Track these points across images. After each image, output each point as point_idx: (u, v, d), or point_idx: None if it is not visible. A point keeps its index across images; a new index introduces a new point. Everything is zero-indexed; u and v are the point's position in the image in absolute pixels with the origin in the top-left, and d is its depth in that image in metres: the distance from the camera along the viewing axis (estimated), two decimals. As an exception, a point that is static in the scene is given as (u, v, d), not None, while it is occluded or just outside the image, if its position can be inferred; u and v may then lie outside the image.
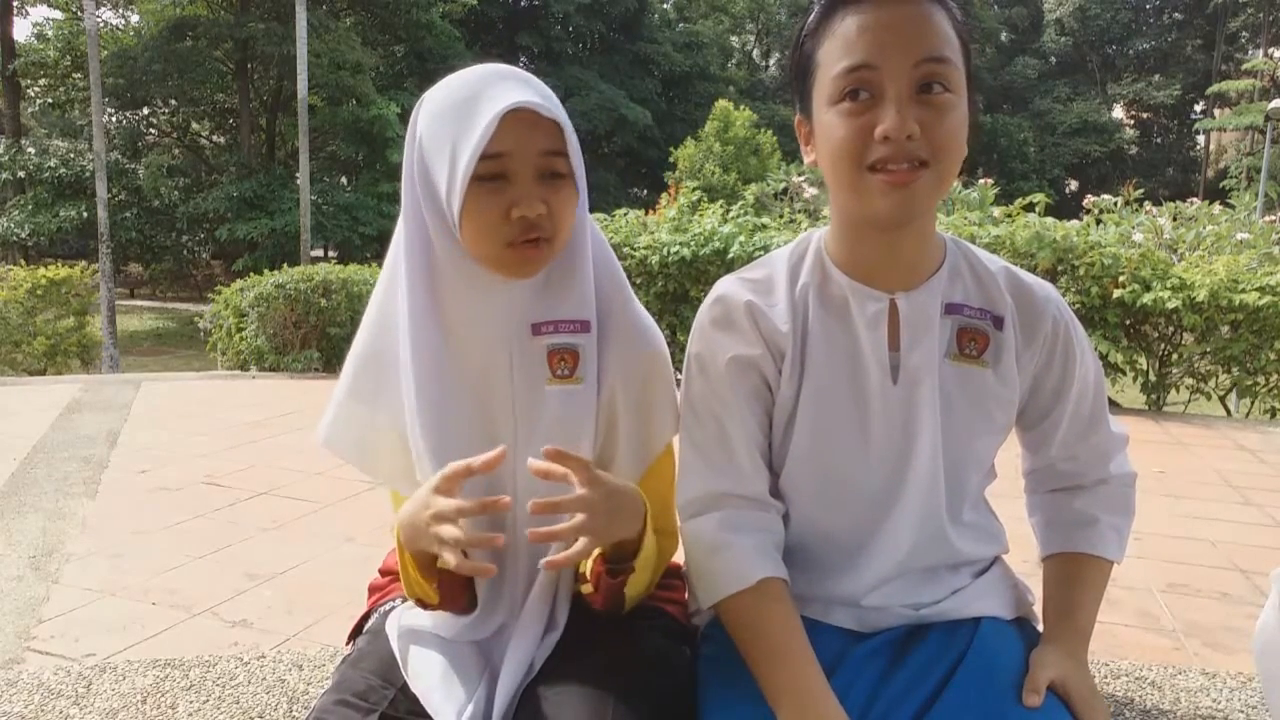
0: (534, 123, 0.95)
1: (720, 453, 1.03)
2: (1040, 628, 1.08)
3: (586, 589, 1.04)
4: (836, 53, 0.91)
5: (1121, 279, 4.62)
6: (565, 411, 1.03)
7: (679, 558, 1.13)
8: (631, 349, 1.07)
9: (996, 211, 5.68)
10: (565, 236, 1.00)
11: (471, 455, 0.99)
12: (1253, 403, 4.92)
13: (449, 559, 0.90)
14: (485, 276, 1.00)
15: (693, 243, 5.54)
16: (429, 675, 1.01)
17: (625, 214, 6.30)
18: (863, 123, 0.89)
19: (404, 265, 1.01)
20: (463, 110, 0.94)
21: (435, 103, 0.98)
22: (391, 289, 1.05)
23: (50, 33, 20.66)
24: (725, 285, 1.07)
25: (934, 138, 0.89)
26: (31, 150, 18.57)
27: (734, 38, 40.04)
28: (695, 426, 1.05)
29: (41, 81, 21.03)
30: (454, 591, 1.02)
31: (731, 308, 1.04)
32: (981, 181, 6.35)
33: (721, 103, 23.34)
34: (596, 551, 1.01)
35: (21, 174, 18.07)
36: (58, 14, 21.30)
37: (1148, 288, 4.58)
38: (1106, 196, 6.25)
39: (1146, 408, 4.96)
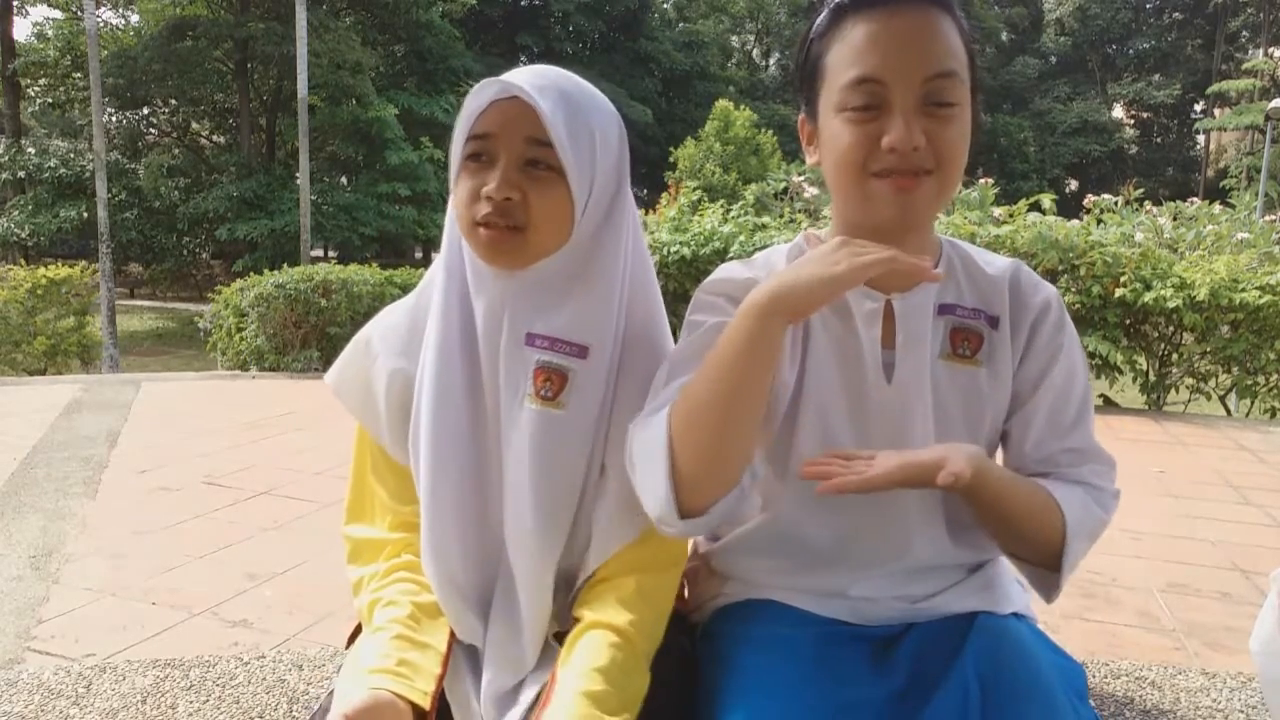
0: (524, 110, 0.94)
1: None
2: (1038, 625, 1.07)
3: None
4: (845, 61, 0.93)
5: (1123, 279, 4.62)
6: (539, 435, 0.98)
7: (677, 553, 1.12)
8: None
9: (997, 211, 5.68)
10: (546, 233, 0.96)
11: (460, 450, 1.01)
12: (1253, 403, 4.91)
13: None
14: (479, 263, 1.01)
15: (693, 242, 5.55)
16: None
17: (625, 213, 6.30)
18: (869, 131, 0.92)
19: (444, 250, 1.04)
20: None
21: None
22: (436, 269, 1.06)
23: (50, 32, 20.68)
24: (727, 267, 1.08)
25: (939, 148, 0.91)
26: (31, 150, 18.58)
27: (734, 38, 40.05)
28: (681, 366, 0.96)
29: (41, 81, 21.04)
30: None
31: (736, 282, 1.04)
32: (981, 181, 6.33)
33: (721, 103, 23.32)
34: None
35: (21, 174, 18.09)
36: (58, 14, 21.31)
37: (1148, 287, 4.58)
38: (1107, 196, 6.24)
39: (1146, 408, 4.96)
